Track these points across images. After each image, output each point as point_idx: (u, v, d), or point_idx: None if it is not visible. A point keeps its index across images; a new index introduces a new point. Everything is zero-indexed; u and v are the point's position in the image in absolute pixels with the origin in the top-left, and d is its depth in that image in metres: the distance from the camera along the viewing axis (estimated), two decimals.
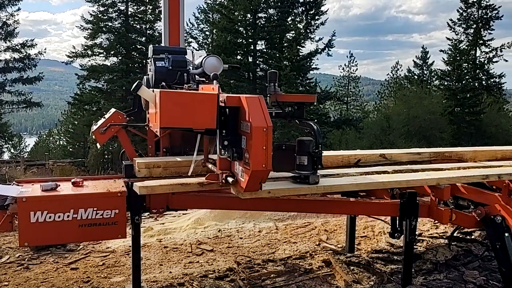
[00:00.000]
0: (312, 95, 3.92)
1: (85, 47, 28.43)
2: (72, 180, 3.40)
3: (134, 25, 28.87)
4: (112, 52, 28.37)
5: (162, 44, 4.41)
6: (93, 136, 3.92)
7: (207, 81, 3.62)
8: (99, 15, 28.20)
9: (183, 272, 4.21)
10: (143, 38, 28.85)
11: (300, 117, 3.45)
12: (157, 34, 29.01)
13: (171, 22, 4.44)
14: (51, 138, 49.29)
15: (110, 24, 28.47)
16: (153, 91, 3.03)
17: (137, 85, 3.08)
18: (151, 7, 28.98)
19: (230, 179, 2.95)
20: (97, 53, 28.58)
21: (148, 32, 29.08)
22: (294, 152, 3.25)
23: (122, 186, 3.33)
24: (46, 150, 41.51)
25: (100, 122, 3.87)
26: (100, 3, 28.08)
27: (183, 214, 6.24)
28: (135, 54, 28.69)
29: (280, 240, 5.14)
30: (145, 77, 3.96)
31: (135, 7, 28.92)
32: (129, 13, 28.58)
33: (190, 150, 3.99)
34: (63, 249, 4.86)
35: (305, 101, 3.55)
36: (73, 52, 28.53)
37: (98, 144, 3.95)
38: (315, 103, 4.19)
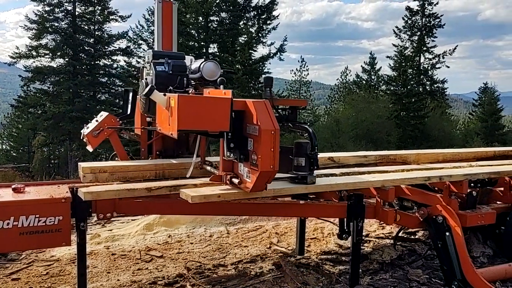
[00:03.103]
0: (303, 100, 4.18)
1: (30, 48, 27.27)
2: (13, 186, 3.26)
3: (82, 25, 28.00)
4: (59, 53, 27.35)
5: (156, 49, 4.40)
6: (85, 139, 4.00)
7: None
8: (45, 15, 27.14)
9: (132, 279, 4.12)
10: (91, 39, 28.07)
11: (293, 120, 3.68)
12: (106, 36, 28.34)
13: (164, 28, 4.48)
14: None
15: (56, 24, 27.45)
16: (164, 95, 3.09)
17: (150, 89, 3.11)
18: (99, 7, 28.24)
19: (235, 180, 3.12)
20: (43, 54, 27.47)
21: (96, 33, 28.31)
22: (289, 154, 3.40)
23: (67, 192, 3.23)
24: None
25: (92, 126, 3.93)
26: (45, 3, 27.04)
27: (131, 220, 6.10)
28: (82, 55, 27.85)
29: (231, 244, 5.13)
30: (143, 81, 3.99)
31: (83, 7, 28.08)
32: (77, 13, 27.71)
33: (183, 153, 4.20)
34: (3, 259, 4.63)
35: (297, 105, 3.80)
36: (16, 53, 27.32)
37: (90, 148, 3.99)
38: (306, 107, 4.47)
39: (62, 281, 4.14)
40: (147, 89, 3.12)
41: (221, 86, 3.24)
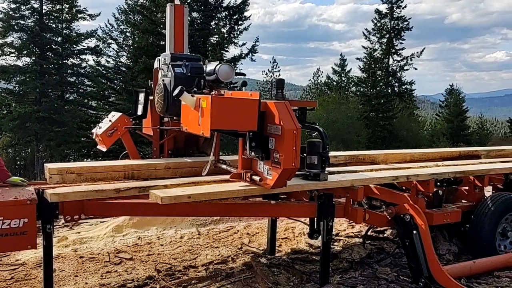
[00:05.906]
0: (313, 101, 4.41)
1: None
2: None
3: (49, 24, 27.34)
4: (25, 52, 26.64)
5: (167, 52, 4.48)
6: (97, 139, 4.09)
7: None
8: (10, 12, 26.38)
9: (100, 282, 4.04)
10: (59, 38, 27.44)
11: (303, 121, 3.80)
12: (74, 34, 27.76)
13: (176, 30, 4.62)
14: None
15: (22, 22, 26.72)
16: (192, 95, 3.21)
17: (180, 91, 3.21)
18: (67, 5, 27.63)
19: (256, 178, 3.29)
20: (8, 53, 26.75)
21: (64, 31, 27.69)
22: (300, 152, 3.46)
23: (32, 193, 3.15)
24: None
25: (106, 126, 4.01)
26: (11, 0, 26.32)
27: (100, 222, 6.00)
28: (50, 54, 27.18)
29: (202, 246, 5.11)
30: (160, 82, 4.04)
31: (50, 5, 27.40)
32: (44, 11, 27.03)
33: (193, 152, 4.40)
34: None
35: (307, 106, 3.96)
36: None
37: (103, 147, 4.04)
38: (315, 108, 4.63)
39: (27, 286, 4.04)
40: (177, 90, 3.21)
41: (243, 88, 3.41)
